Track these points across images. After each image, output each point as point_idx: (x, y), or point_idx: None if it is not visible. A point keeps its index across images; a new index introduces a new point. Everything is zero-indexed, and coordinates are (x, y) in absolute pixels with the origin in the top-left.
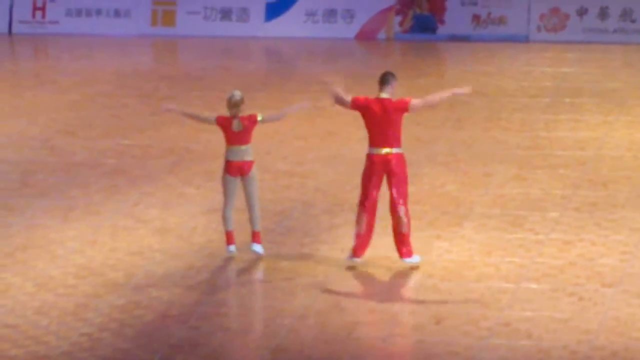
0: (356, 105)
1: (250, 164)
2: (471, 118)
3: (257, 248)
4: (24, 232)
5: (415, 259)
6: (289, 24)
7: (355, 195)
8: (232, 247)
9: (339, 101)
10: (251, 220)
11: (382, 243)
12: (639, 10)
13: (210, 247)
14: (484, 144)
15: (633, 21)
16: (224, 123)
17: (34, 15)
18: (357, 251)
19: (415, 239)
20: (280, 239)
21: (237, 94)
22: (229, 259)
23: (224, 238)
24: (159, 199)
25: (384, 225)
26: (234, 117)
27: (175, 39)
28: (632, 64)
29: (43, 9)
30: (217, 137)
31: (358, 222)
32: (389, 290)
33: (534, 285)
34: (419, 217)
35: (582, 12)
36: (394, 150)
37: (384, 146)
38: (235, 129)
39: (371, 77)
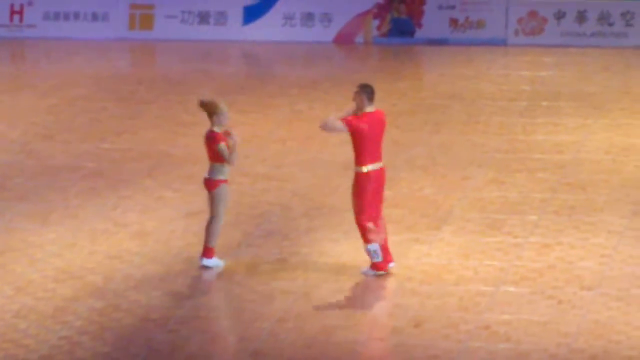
0: (356, 127)
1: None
2: (449, 122)
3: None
4: (3, 236)
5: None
6: (266, 28)
7: (334, 198)
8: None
9: (331, 130)
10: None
11: (360, 246)
12: (616, 13)
13: (188, 251)
14: (462, 147)
15: (610, 25)
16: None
17: (11, 19)
18: (388, 258)
19: (393, 243)
20: (259, 242)
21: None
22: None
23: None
24: (137, 203)
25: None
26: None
27: (153, 43)
28: (609, 68)
29: (20, 12)
30: (196, 141)
31: (376, 235)
32: (368, 293)
33: (512, 289)
34: (398, 221)
35: (559, 15)
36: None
37: (380, 160)
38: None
39: (349, 81)
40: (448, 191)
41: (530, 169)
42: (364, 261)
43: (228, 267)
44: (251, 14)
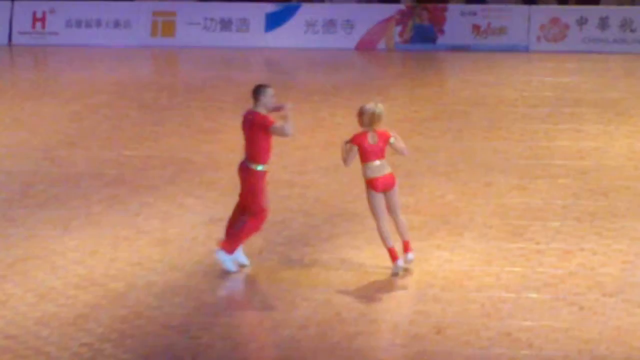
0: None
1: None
2: (471, 128)
3: (410, 256)
4: (25, 243)
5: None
6: (289, 35)
7: (356, 205)
8: (400, 262)
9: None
10: (401, 231)
11: (382, 252)
12: (638, 20)
13: (211, 258)
14: (484, 153)
15: (633, 31)
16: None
17: (34, 26)
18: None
19: (415, 249)
20: (281, 249)
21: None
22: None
23: (388, 255)
24: (159, 210)
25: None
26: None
27: (175, 50)
28: (632, 74)
29: (43, 20)
30: (218, 148)
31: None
32: (389, 300)
33: (534, 295)
34: (419, 227)
35: (582, 22)
36: None
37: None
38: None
39: (371, 87)
40: (470, 197)
41: (552, 175)
42: (387, 267)
43: (250, 274)
44: (273, 21)
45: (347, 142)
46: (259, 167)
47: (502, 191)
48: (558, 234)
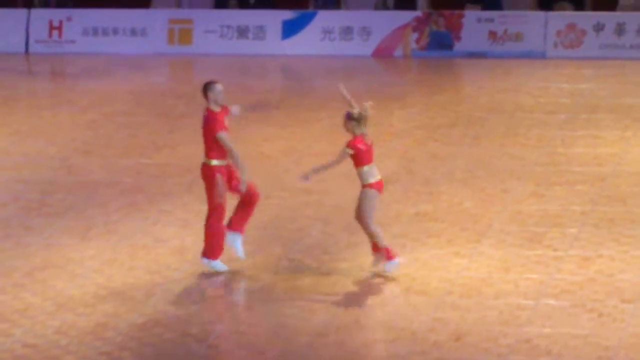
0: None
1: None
2: (488, 135)
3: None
4: (43, 252)
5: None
6: (305, 42)
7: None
8: (397, 260)
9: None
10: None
11: (401, 260)
12: None
13: (228, 265)
14: (501, 160)
15: None
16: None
17: (50, 35)
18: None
19: (433, 256)
20: (299, 256)
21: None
22: (246, 278)
23: (385, 255)
24: (177, 218)
25: (401, 243)
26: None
27: (192, 57)
28: None
29: (59, 28)
30: None
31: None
32: (408, 307)
33: (553, 302)
34: (437, 235)
35: (598, 28)
36: None
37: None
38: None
39: (388, 94)
40: (487, 204)
41: (569, 182)
42: (405, 274)
43: (268, 282)
44: (290, 28)
45: (347, 147)
46: (213, 162)
47: (519, 198)
48: (576, 241)
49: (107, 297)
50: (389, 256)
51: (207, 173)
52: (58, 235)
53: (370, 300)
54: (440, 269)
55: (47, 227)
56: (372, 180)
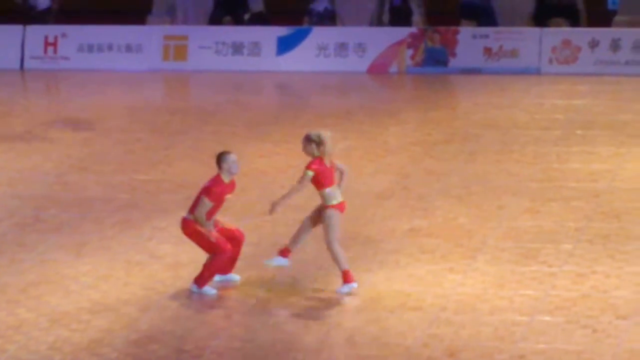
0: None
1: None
2: (483, 151)
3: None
4: (37, 268)
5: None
6: (300, 58)
7: (369, 229)
8: (353, 284)
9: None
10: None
11: (395, 275)
12: None
13: (223, 282)
14: (496, 176)
15: None
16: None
17: (45, 51)
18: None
19: (428, 272)
20: (293, 272)
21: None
22: (242, 295)
23: (343, 277)
24: (172, 234)
25: (395, 259)
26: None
27: (187, 74)
28: None
29: (55, 44)
30: None
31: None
32: (402, 323)
33: (547, 318)
34: (432, 250)
35: (593, 44)
36: None
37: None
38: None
39: (383, 111)
40: (483, 220)
41: (564, 198)
42: (399, 291)
43: (263, 298)
44: (285, 45)
45: (307, 170)
46: (191, 217)
47: (514, 214)
48: (571, 257)
49: (101, 313)
50: (346, 279)
51: (187, 226)
52: (53, 251)
53: (364, 317)
54: (434, 284)
55: (42, 243)
56: (334, 202)
